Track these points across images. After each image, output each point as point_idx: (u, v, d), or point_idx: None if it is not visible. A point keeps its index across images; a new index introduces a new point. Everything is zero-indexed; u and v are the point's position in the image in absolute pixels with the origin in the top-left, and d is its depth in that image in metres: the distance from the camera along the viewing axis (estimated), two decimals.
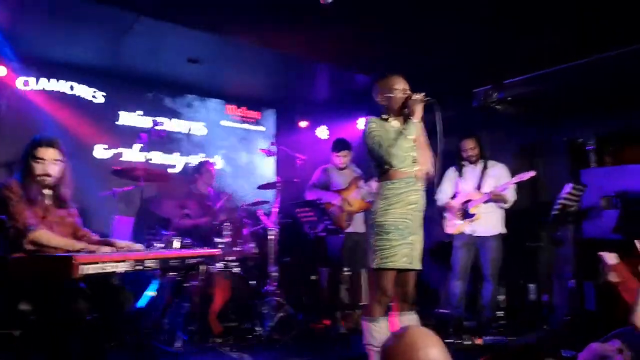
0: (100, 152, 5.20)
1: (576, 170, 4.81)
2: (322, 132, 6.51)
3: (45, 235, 2.37)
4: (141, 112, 5.46)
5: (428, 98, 2.77)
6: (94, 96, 5.20)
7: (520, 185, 4.40)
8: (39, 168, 2.54)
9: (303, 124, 6.50)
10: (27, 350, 2.19)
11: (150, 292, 3.20)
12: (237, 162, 6.14)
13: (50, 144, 2.58)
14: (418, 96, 2.76)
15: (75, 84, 5.10)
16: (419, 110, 2.77)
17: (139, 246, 2.65)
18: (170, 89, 5.66)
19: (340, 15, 3.70)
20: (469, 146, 4.49)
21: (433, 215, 3.23)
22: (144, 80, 5.39)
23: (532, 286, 4.93)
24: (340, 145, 4.68)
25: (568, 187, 4.11)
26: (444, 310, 5.01)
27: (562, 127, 5.04)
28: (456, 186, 4.58)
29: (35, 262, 2.11)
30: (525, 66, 4.53)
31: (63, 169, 2.64)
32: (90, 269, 2.00)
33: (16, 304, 2.22)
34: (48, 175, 2.56)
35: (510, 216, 4.77)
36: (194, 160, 5.78)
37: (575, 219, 4.26)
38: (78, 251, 2.31)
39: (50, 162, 2.57)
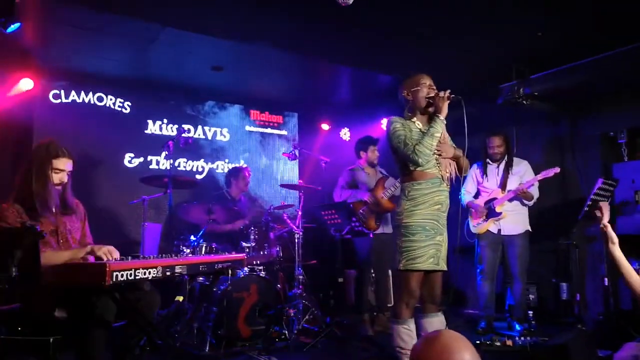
0: (129, 160, 5.33)
1: (608, 165, 4.70)
2: (345, 134, 6.52)
3: (49, 257, 2.32)
4: (167, 121, 5.58)
5: (454, 95, 2.75)
6: (122, 106, 5.34)
7: (549, 182, 4.32)
8: (56, 178, 2.56)
9: (325, 126, 6.52)
10: (61, 355, 2.24)
11: (179, 297, 3.26)
12: (260, 167, 6.20)
13: (69, 154, 2.61)
14: (444, 93, 2.75)
15: (103, 95, 5.24)
16: (445, 108, 2.75)
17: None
18: (194, 97, 5.77)
19: (360, 16, 3.70)
20: (496, 144, 4.43)
21: (456, 214, 3.19)
22: (169, 88, 5.50)
23: (564, 285, 4.82)
24: (371, 139, 4.66)
25: (599, 182, 4.02)
26: (473, 311, 4.95)
27: (592, 121, 4.92)
28: (478, 184, 4.53)
29: (70, 270, 2.16)
30: (552, 60, 4.43)
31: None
32: (122, 276, 2.05)
33: (51, 311, 2.29)
34: (61, 184, 2.60)
35: (541, 214, 4.68)
36: (220, 166, 5.87)
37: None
38: (84, 259, 2.32)
39: (66, 173, 2.61)
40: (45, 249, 2.39)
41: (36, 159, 2.55)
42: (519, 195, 4.23)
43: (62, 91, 5.03)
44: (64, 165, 2.58)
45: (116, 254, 2.40)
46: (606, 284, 4.14)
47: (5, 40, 3.87)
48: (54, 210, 2.55)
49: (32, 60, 4.55)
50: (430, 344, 1.35)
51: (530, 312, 4.29)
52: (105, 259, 2.32)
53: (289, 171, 6.38)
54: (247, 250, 4.20)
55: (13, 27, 3.50)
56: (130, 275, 2.10)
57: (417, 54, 4.54)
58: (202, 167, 5.79)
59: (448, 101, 2.75)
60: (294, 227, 4.43)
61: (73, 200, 2.69)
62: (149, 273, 2.21)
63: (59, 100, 5.02)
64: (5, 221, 2.39)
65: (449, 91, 2.76)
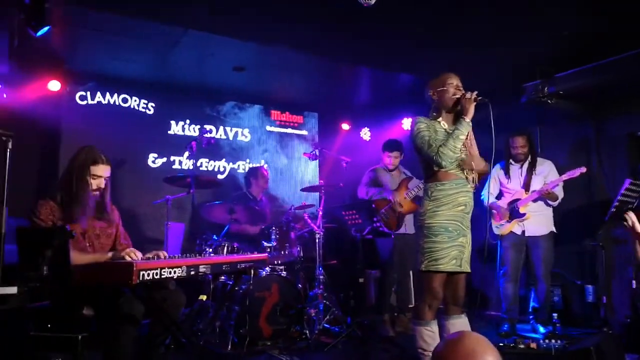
0: (153, 161, 5.42)
1: (636, 165, 4.59)
2: (365, 134, 6.50)
3: (73, 258, 2.34)
4: (189, 121, 5.65)
5: (481, 97, 2.71)
6: (145, 107, 5.42)
7: (575, 182, 4.25)
8: (94, 184, 2.64)
9: (345, 126, 6.52)
10: (88, 352, 2.30)
11: (202, 296, 3.30)
12: (281, 167, 6.24)
13: (107, 161, 2.68)
14: (471, 95, 2.71)
15: (128, 97, 5.34)
16: (471, 110, 2.71)
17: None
18: (216, 98, 5.83)
19: (383, 16, 3.69)
20: (519, 144, 4.37)
21: (479, 215, 3.16)
22: (191, 90, 5.57)
23: (590, 287, 4.72)
24: (392, 145, 4.64)
25: (627, 183, 3.93)
26: (495, 313, 4.88)
27: (619, 120, 4.80)
28: (501, 185, 4.47)
29: (99, 269, 2.22)
30: (578, 59, 4.35)
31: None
32: (149, 275, 2.09)
33: (80, 309, 2.34)
34: (99, 190, 2.67)
35: (566, 215, 4.60)
36: (241, 166, 5.92)
37: (636, 215, 4.05)
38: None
39: (104, 179, 2.68)
40: (72, 250, 2.45)
41: (77, 164, 2.62)
42: (543, 196, 4.17)
43: (89, 93, 5.14)
44: (102, 172, 2.65)
45: (139, 254, 2.45)
46: (634, 286, 4.04)
47: (35, 44, 3.98)
48: (87, 214, 2.61)
49: (60, 63, 4.66)
50: (453, 346, 1.33)
51: (555, 315, 4.22)
52: (129, 259, 2.37)
53: (310, 171, 6.40)
54: (269, 250, 4.22)
55: (43, 30, 3.59)
56: (156, 274, 2.15)
57: (439, 54, 4.50)
58: (224, 167, 5.85)
59: (475, 103, 2.71)
60: (315, 227, 4.44)
61: (110, 206, 2.77)
62: (174, 272, 2.25)
63: (85, 102, 5.13)
64: (38, 216, 2.48)
65: (476, 92, 2.72)
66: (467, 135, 2.75)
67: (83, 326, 2.30)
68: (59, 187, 2.60)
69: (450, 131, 2.73)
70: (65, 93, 4.97)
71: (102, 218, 2.71)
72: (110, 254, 2.52)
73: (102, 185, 2.67)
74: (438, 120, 2.83)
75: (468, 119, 2.70)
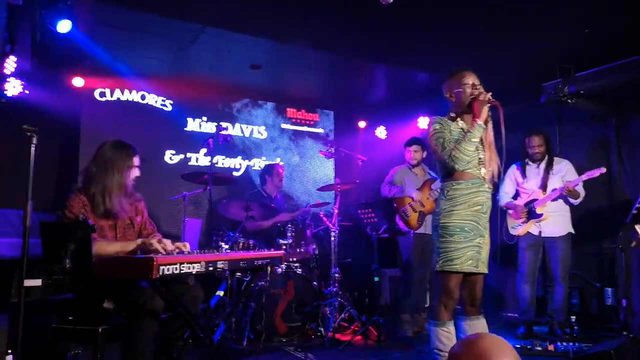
0: (170, 157, 5.47)
1: None
2: (381, 132, 6.48)
3: (100, 247, 2.42)
4: (206, 118, 5.69)
5: (494, 100, 2.67)
6: (163, 104, 5.47)
7: (594, 183, 4.18)
8: (134, 174, 2.72)
9: (362, 124, 6.51)
10: (107, 345, 2.33)
11: (220, 292, 3.32)
12: (297, 164, 6.25)
13: (138, 151, 2.76)
14: (484, 97, 2.68)
15: (146, 94, 5.39)
16: (484, 112, 2.67)
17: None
18: (233, 95, 5.86)
19: (400, 14, 3.67)
20: (536, 143, 4.32)
21: (493, 215, 3.13)
22: (208, 87, 5.61)
23: (609, 290, 4.66)
24: (412, 140, 4.72)
25: None
26: (512, 314, 4.84)
27: None
28: (518, 185, 4.42)
29: (120, 263, 2.25)
30: (599, 57, 4.28)
31: None
32: (168, 270, 2.11)
33: (101, 302, 2.38)
34: (133, 180, 2.75)
35: (585, 216, 4.54)
36: (256, 163, 5.95)
37: None
38: (134, 252, 2.45)
39: (138, 168, 2.76)
40: (100, 239, 2.50)
41: (113, 157, 2.65)
42: (566, 194, 4.10)
43: (108, 89, 5.21)
44: (138, 161, 2.75)
45: (170, 247, 2.50)
46: None
47: (56, 41, 4.04)
48: (123, 204, 2.66)
49: (81, 60, 4.72)
50: (469, 346, 1.31)
51: (573, 317, 4.17)
52: (159, 248, 2.42)
53: (325, 169, 6.40)
54: (284, 247, 4.24)
55: (65, 27, 3.65)
56: (176, 269, 2.17)
57: (458, 51, 4.46)
58: (240, 164, 5.88)
59: (488, 104, 2.68)
60: (330, 225, 4.44)
61: (135, 194, 2.82)
62: (193, 268, 2.27)
63: (104, 99, 5.19)
64: (71, 210, 2.52)
65: (489, 95, 2.68)
66: (486, 134, 2.73)
67: (103, 319, 2.33)
68: (94, 182, 2.61)
69: (467, 131, 2.71)
70: (85, 89, 5.04)
71: (132, 207, 2.77)
72: (139, 241, 2.55)
73: (138, 174, 2.74)
74: (456, 119, 2.80)
75: (481, 121, 2.66)
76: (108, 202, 2.58)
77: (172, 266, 2.15)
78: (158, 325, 2.44)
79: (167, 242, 2.51)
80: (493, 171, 2.77)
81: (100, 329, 2.28)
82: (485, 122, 2.70)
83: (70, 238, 2.13)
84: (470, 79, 2.75)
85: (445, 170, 2.77)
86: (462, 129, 2.75)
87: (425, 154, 4.65)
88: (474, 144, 2.67)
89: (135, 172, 2.74)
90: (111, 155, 2.66)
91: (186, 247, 2.58)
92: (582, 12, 3.71)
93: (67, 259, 2.12)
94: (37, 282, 2.15)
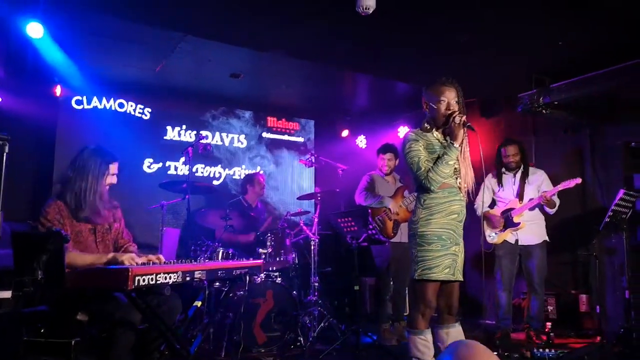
0: (149, 166, 5.41)
1: (629, 175, 4.62)
2: (361, 141, 6.53)
3: (73, 257, 2.39)
4: (186, 127, 5.65)
5: (468, 124, 2.69)
6: (142, 112, 5.42)
7: (569, 192, 4.27)
8: (110, 180, 2.71)
9: (344, 133, 6.54)
10: (81, 358, 2.28)
11: (197, 302, 3.28)
12: (277, 173, 6.24)
13: (117, 158, 2.74)
14: (460, 119, 2.67)
15: (124, 101, 5.34)
16: (459, 135, 2.69)
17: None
18: (212, 104, 5.84)
19: (380, 24, 3.71)
20: (511, 152, 4.40)
21: (472, 224, 3.17)
22: (188, 95, 5.58)
23: (583, 297, 4.74)
24: (386, 147, 4.68)
25: (621, 193, 3.96)
26: (490, 322, 4.89)
27: (614, 131, 4.85)
28: (494, 194, 4.49)
29: (94, 274, 2.21)
30: (573, 69, 4.39)
31: None
32: (144, 280, 2.08)
33: (74, 314, 2.33)
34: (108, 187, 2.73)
35: (560, 224, 4.62)
36: (236, 172, 5.92)
37: (629, 226, 4.08)
38: (108, 263, 2.42)
39: (116, 176, 2.74)
40: (72, 250, 2.46)
41: (92, 163, 2.64)
42: (544, 203, 4.18)
43: (85, 97, 5.13)
44: (116, 169, 2.73)
45: (139, 260, 2.45)
46: (627, 296, 4.06)
47: (32, 48, 3.98)
48: (101, 210, 2.65)
49: (57, 67, 4.64)
50: (454, 355, 1.33)
51: (549, 324, 4.23)
52: (127, 264, 2.36)
53: (306, 178, 6.40)
54: (264, 256, 4.21)
55: (36, 31, 3.60)
56: (152, 279, 2.14)
57: (437, 62, 4.53)
58: (219, 172, 5.85)
59: (463, 128, 2.71)
60: (310, 233, 4.43)
61: (112, 201, 2.80)
62: (170, 278, 2.25)
63: (81, 106, 5.12)
64: (46, 217, 2.50)
65: (464, 118, 2.70)
66: (462, 144, 2.75)
67: (77, 331, 2.28)
68: (69, 187, 2.60)
69: (444, 142, 2.74)
70: (61, 97, 4.96)
71: (110, 213, 2.75)
72: (111, 255, 2.51)
73: (114, 182, 2.73)
74: (431, 131, 2.81)
75: (457, 144, 2.69)
76: (84, 207, 2.57)
77: (148, 276, 2.12)
78: (135, 337, 2.40)
79: (139, 260, 2.47)
80: (468, 185, 2.80)
81: (73, 342, 2.23)
82: (460, 143, 2.73)
83: (43, 248, 2.08)
84: (448, 95, 2.71)
85: (420, 181, 2.79)
86: (438, 139, 2.78)
87: (397, 162, 4.66)
88: (450, 166, 2.70)
89: (111, 180, 2.71)
90: (88, 160, 2.65)
91: (160, 260, 2.54)
92: (556, 27, 3.81)
93: (39, 270, 2.07)
94: (7, 294, 2.10)
